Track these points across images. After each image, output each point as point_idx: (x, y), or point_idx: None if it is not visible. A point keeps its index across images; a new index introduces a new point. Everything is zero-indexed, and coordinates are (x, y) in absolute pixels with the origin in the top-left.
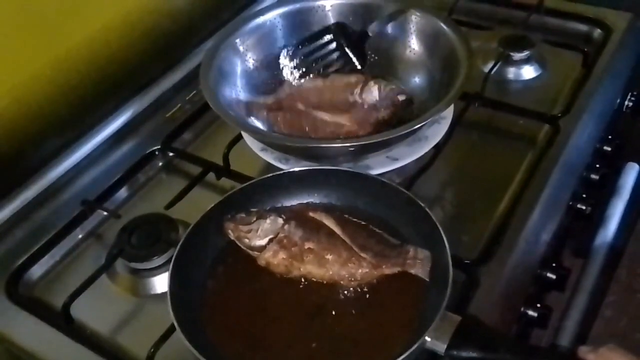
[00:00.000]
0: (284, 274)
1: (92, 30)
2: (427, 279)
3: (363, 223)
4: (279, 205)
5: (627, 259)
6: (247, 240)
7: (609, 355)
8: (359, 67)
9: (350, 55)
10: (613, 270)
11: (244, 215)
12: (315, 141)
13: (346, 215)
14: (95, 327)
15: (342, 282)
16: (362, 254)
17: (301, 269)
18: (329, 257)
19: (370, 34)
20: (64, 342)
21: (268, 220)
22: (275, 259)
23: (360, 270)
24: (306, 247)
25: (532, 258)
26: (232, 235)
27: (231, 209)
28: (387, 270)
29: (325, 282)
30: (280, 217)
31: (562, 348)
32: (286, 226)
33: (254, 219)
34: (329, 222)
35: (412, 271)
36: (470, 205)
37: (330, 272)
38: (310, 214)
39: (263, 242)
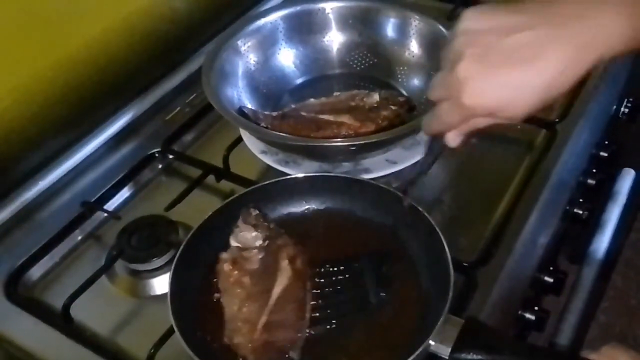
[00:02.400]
0: (218, 282)
1: (92, 32)
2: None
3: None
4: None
5: (622, 264)
6: (232, 233)
7: (612, 353)
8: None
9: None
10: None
11: (258, 214)
12: (315, 140)
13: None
14: (95, 328)
15: (229, 328)
16: (259, 330)
17: (222, 292)
18: (241, 306)
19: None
20: (64, 343)
21: (254, 233)
22: (221, 265)
23: (239, 339)
24: (242, 279)
25: (529, 261)
26: (237, 222)
27: (232, 215)
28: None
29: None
30: (265, 240)
31: (562, 348)
32: (254, 251)
33: (253, 223)
34: (282, 280)
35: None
36: (468, 209)
37: (228, 316)
38: (284, 262)
39: (233, 244)
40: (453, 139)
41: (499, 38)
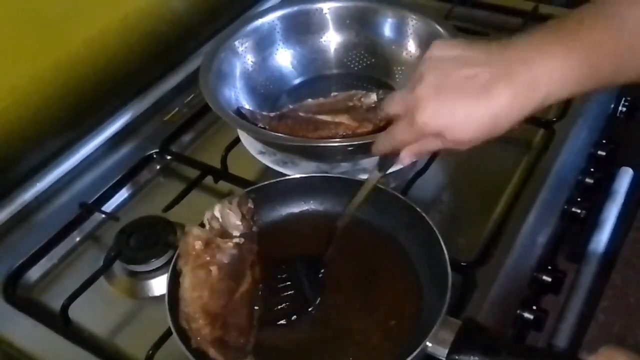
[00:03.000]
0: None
1: (91, 33)
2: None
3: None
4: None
5: (621, 264)
6: (219, 203)
7: (609, 354)
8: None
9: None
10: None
11: (251, 209)
12: (313, 140)
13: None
14: (93, 329)
15: (186, 310)
16: (216, 326)
17: (184, 269)
18: (202, 294)
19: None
20: (62, 344)
21: (237, 222)
22: (192, 240)
23: (196, 325)
24: (210, 268)
25: (527, 261)
26: (231, 198)
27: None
28: (213, 354)
29: None
30: (240, 237)
31: (560, 349)
32: (230, 244)
33: (243, 212)
34: (244, 285)
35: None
36: (466, 209)
37: (186, 297)
38: (247, 268)
39: (214, 215)
40: (405, 158)
41: (456, 68)
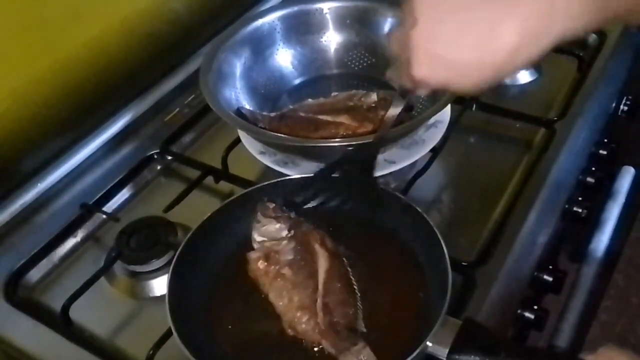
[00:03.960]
0: (253, 281)
1: (91, 34)
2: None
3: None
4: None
5: (623, 263)
6: (254, 229)
7: (609, 354)
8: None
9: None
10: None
11: (275, 207)
12: (314, 141)
13: (350, 260)
14: (94, 329)
15: (287, 320)
16: (320, 314)
17: (265, 289)
18: (291, 296)
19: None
20: (63, 345)
21: (277, 225)
22: (255, 264)
23: (303, 326)
24: (282, 272)
25: (528, 260)
26: (256, 217)
27: (231, 216)
28: (326, 346)
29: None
30: (290, 230)
31: (561, 349)
32: (284, 242)
33: (273, 215)
34: (322, 263)
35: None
36: (467, 208)
37: (281, 309)
38: (316, 245)
39: (258, 239)
40: (421, 91)
41: (454, 9)
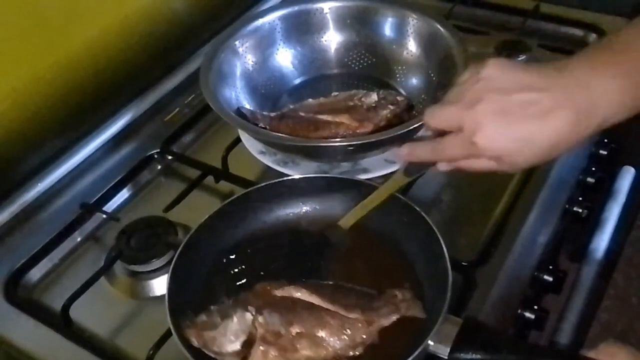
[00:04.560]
0: None
1: (91, 33)
2: (425, 316)
3: (331, 283)
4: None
5: (623, 263)
6: (216, 348)
7: (610, 350)
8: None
9: None
10: (609, 274)
11: (205, 317)
12: (314, 140)
13: (310, 281)
14: (94, 329)
15: (344, 354)
16: (351, 315)
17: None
18: (321, 333)
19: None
20: (63, 344)
21: (235, 319)
22: (266, 356)
23: (358, 333)
24: (294, 332)
25: (528, 260)
26: (196, 343)
27: (231, 216)
28: (384, 321)
29: None
30: (247, 310)
31: (562, 346)
32: (260, 318)
33: (218, 320)
34: (301, 294)
35: (410, 314)
36: (467, 208)
37: (330, 349)
38: (276, 292)
39: (236, 345)
40: (443, 167)
41: (517, 91)
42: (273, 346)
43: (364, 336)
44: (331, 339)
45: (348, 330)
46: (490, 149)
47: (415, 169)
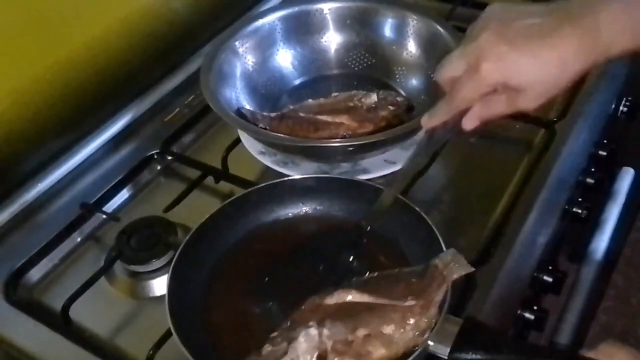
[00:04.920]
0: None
1: (91, 33)
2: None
3: (376, 274)
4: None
5: (622, 264)
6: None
7: (610, 351)
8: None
9: None
10: (609, 275)
11: (270, 347)
12: (313, 141)
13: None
14: (94, 329)
15: (416, 344)
16: (407, 303)
17: None
18: (387, 330)
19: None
20: (63, 344)
21: (301, 339)
22: None
23: (420, 319)
24: (361, 336)
25: (528, 261)
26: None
27: (231, 216)
28: (437, 297)
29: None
30: (309, 326)
31: (562, 346)
32: (324, 330)
33: (285, 344)
34: (353, 296)
35: (457, 275)
36: (467, 209)
37: (401, 343)
38: (328, 301)
39: None
40: (467, 122)
41: (519, 18)
42: (346, 355)
43: (426, 320)
44: (398, 333)
45: (411, 320)
46: (496, 73)
47: (439, 137)
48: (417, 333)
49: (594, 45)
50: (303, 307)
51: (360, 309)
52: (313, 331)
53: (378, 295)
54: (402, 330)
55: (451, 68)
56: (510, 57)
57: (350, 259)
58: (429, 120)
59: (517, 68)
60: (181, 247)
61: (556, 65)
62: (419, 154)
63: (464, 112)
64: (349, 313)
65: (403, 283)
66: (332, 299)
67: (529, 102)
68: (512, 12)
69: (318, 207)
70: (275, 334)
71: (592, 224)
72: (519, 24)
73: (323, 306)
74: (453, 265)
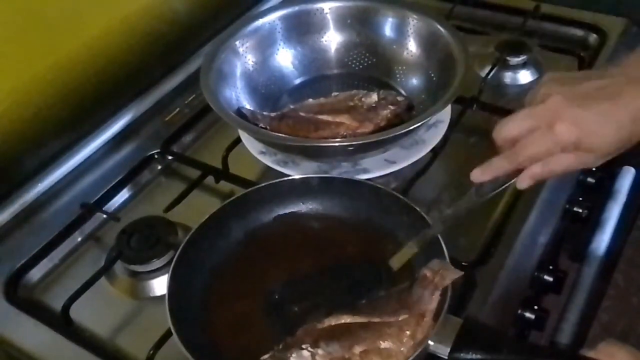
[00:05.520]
0: None
1: (91, 33)
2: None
3: (366, 301)
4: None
5: (623, 263)
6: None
7: (610, 350)
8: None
9: None
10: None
11: None
12: (314, 140)
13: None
14: (94, 329)
15: (414, 354)
16: (402, 317)
17: None
18: (384, 345)
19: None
20: (64, 344)
21: None
22: None
23: (417, 330)
24: (358, 352)
25: (529, 260)
26: None
27: (231, 216)
28: (431, 305)
29: None
30: (301, 348)
31: (563, 346)
32: (319, 350)
33: None
34: (347, 318)
35: (447, 282)
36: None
37: (400, 356)
38: (323, 325)
39: None
40: (526, 180)
41: (581, 82)
42: None
43: (422, 329)
44: (396, 346)
45: (407, 332)
46: (570, 133)
47: (487, 189)
48: (414, 344)
49: None
50: (297, 334)
51: (354, 329)
52: (305, 353)
53: (371, 315)
54: (399, 343)
55: (515, 127)
56: (585, 118)
57: (369, 290)
58: (482, 174)
59: (592, 129)
60: (181, 247)
61: (629, 125)
62: (466, 206)
63: (516, 171)
64: (343, 333)
65: (394, 300)
66: (328, 322)
67: (596, 161)
68: (571, 78)
69: (318, 207)
70: (266, 356)
71: (593, 223)
72: (584, 87)
73: (317, 330)
74: (443, 272)
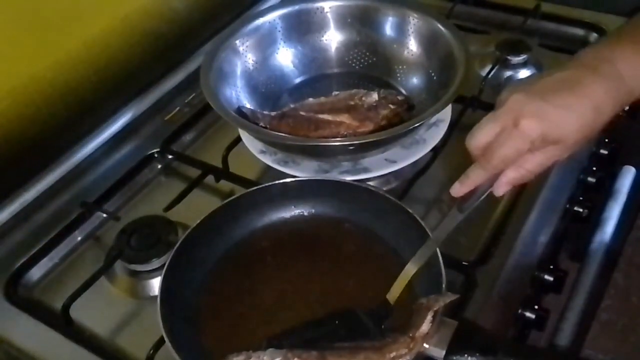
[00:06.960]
0: None
1: (91, 32)
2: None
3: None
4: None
5: (623, 262)
6: None
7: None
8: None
9: None
10: (610, 273)
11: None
12: (314, 140)
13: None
14: (94, 328)
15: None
16: (392, 342)
17: None
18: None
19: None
20: (63, 344)
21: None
22: None
23: (407, 352)
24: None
25: (529, 260)
26: None
27: (231, 215)
28: (423, 328)
29: None
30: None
31: (560, 348)
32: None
33: None
34: (333, 352)
35: (441, 304)
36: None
37: None
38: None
39: None
40: (502, 187)
41: (539, 80)
42: None
43: (412, 349)
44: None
45: (393, 353)
46: (535, 127)
47: (469, 202)
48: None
49: (619, 89)
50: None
51: (341, 354)
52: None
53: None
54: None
55: (484, 134)
56: (546, 111)
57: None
58: (461, 187)
59: (555, 120)
60: (178, 244)
61: (591, 113)
62: (449, 226)
63: (493, 179)
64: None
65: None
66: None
67: (565, 152)
68: (531, 77)
69: (311, 210)
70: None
71: (593, 222)
72: (542, 82)
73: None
74: (437, 296)
